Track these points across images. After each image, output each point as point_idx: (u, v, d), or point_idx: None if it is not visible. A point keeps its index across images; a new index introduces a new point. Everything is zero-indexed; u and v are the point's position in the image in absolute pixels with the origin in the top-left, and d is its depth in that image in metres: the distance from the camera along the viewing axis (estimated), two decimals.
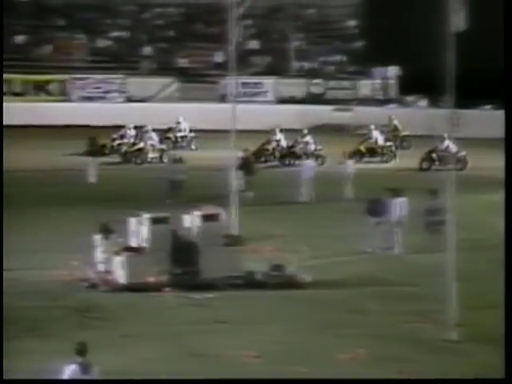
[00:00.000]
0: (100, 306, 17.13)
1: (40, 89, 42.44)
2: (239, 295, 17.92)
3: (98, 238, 18.43)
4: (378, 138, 34.43)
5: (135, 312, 16.92)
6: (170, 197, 25.55)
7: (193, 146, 35.92)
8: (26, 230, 22.50)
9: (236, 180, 21.39)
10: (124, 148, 33.88)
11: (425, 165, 32.54)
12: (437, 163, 31.84)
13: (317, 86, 44.49)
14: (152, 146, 33.44)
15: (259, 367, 14.00)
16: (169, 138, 35.73)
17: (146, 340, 15.30)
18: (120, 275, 18.29)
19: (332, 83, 44.57)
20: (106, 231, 18.42)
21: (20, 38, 43.63)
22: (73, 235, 20.41)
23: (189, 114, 37.11)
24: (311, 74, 45.39)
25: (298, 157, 32.37)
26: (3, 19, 36.16)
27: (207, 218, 19.00)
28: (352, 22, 48.28)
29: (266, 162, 33.03)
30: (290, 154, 33.25)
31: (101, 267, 18.43)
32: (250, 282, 18.51)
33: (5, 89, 41.31)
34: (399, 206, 21.21)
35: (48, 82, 42.52)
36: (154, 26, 47.40)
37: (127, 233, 18.90)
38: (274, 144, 33.75)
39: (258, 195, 26.46)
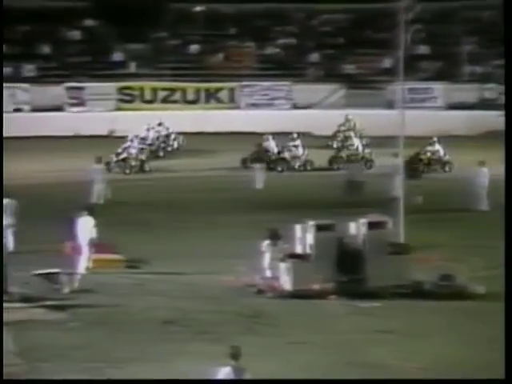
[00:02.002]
0: (266, 311, 17.14)
1: (211, 96, 43.19)
2: (406, 305, 17.52)
3: (265, 243, 18.43)
4: None
5: (300, 319, 16.83)
6: (349, 198, 25.53)
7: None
8: (196, 235, 22.84)
9: (400, 186, 20.95)
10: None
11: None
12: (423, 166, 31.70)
13: (490, 90, 43.18)
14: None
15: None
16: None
17: (310, 347, 15.17)
18: (286, 282, 18.24)
19: None
20: (274, 237, 18.41)
21: (194, 48, 44.55)
22: (240, 241, 20.51)
23: (355, 121, 36.81)
24: (484, 78, 44.11)
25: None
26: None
27: (373, 225, 18.68)
28: None
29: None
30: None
31: (268, 273, 18.43)
32: (417, 292, 18.07)
33: (178, 97, 42.32)
34: None
35: (218, 89, 43.22)
36: (321, 33, 47.36)
37: (293, 239, 18.84)
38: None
39: (423, 202, 25.85)
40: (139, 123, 36.88)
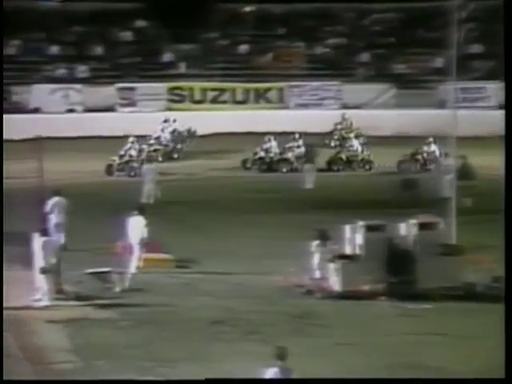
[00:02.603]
0: (314, 312, 17.12)
1: (260, 97, 43.22)
2: (457, 307, 17.35)
3: (315, 244, 18.40)
4: None
5: (349, 320, 16.78)
6: (405, 196, 25.42)
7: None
8: (245, 234, 22.89)
9: (452, 186, 20.79)
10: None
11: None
12: (418, 166, 31.41)
13: None
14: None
15: None
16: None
17: (359, 349, 15.12)
18: (335, 282, 18.20)
19: None
20: (324, 238, 18.37)
21: (243, 48, 44.61)
22: (289, 241, 20.48)
23: (405, 121, 36.57)
24: None
25: None
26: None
27: (424, 226, 18.54)
28: None
29: None
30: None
31: (317, 274, 18.40)
32: (469, 294, 17.89)
33: (227, 97, 42.36)
34: None
35: (267, 89, 43.24)
36: (371, 32, 47.12)
37: (342, 240, 18.78)
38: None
39: (475, 203, 25.60)
40: (189, 123, 37.14)
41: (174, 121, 35.81)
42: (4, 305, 17.04)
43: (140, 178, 28.30)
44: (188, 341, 15.44)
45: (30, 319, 16.60)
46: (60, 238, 20.56)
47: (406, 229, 18.59)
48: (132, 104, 40.86)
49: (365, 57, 45.66)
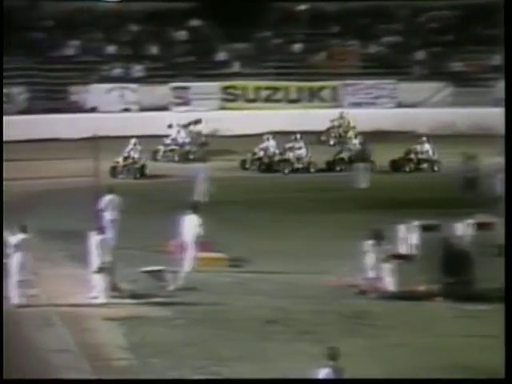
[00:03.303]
0: (369, 312, 17.07)
1: (314, 95, 43.16)
2: None
3: (369, 244, 18.33)
4: None
5: (403, 321, 16.69)
6: (465, 196, 25.22)
7: None
8: (298, 234, 22.91)
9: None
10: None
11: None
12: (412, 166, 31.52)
13: None
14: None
15: None
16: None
17: (413, 350, 15.04)
18: (389, 282, 18.11)
19: None
20: (378, 237, 18.28)
21: (297, 46, 44.58)
22: (343, 240, 20.44)
23: (461, 119, 36.22)
24: None
25: None
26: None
27: (481, 226, 18.37)
28: None
29: None
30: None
31: (370, 274, 18.33)
32: None
33: (281, 96, 42.38)
34: None
35: (321, 88, 43.16)
36: (427, 30, 46.74)
37: (397, 240, 18.67)
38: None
39: None
40: (242, 122, 37.20)
41: (199, 122, 35.62)
42: (62, 302, 17.36)
43: (191, 176, 28.35)
44: (241, 340, 15.51)
45: (87, 316, 16.82)
46: (114, 236, 20.76)
47: (463, 229, 18.44)
48: (186, 103, 41.04)
49: (420, 55, 45.29)
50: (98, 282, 17.69)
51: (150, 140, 33.22)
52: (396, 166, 32.33)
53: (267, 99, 42.21)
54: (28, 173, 29.35)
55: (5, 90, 37.46)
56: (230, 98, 41.80)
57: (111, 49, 42.15)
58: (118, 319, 16.57)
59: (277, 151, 32.11)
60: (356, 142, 32.96)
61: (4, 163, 27.46)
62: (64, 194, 27.18)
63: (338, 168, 32.13)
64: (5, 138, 33.05)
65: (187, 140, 33.94)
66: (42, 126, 35.35)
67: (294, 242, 21.89)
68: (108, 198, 21.84)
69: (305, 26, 45.96)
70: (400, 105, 42.53)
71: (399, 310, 17.30)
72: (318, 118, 39.66)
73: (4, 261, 17.65)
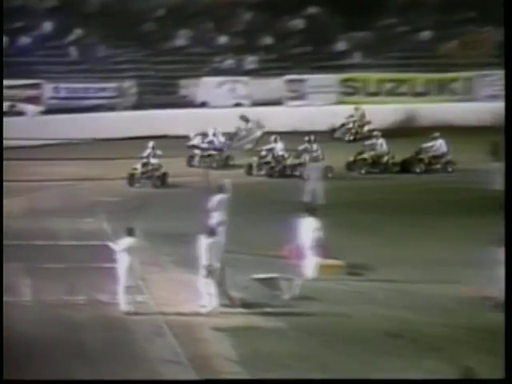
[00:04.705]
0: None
1: (444, 88, 42.60)
2: None
3: (503, 250, 17.98)
4: None
5: None
6: None
7: None
8: (423, 238, 22.67)
9: None
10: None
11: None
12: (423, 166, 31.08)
13: None
14: None
15: None
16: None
17: None
18: None
19: None
20: None
21: (425, 34, 44.06)
22: (475, 247, 19.97)
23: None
24: None
25: None
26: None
27: None
28: None
29: None
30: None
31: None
32: None
33: (406, 89, 41.99)
34: None
35: (453, 80, 42.57)
36: None
37: None
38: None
39: None
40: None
41: (247, 120, 35.43)
42: (170, 310, 17.69)
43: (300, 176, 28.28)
44: (360, 354, 15.49)
45: (196, 326, 17.05)
46: (224, 239, 20.92)
47: None
48: (301, 97, 41.09)
49: None
50: (207, 288, 17.87)
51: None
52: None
53: (390, 92, 41.90)
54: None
55: (115, 84, 38.37)
56: (349, 92, 41.65)
57: (223, 39, 42.61)
58: (227, 329, 16.74)
59: (284, 153, 30.90)
60: (380, 140, 31.75)
61: (114, 161, 28.02)
62: (172, 195, 27.66)
63: (362, 171, 31.07)
64: (111, 136, 33.86)
65: (226, 144, 32.78)
66: (150, 122, 36.00)
67: (419, 247, 21.61)
68: (218, 197, 21.88)
69: (433, 12, 45.41)
70: None
71: None
72: (448, 111, 39.23)
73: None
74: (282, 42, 43.14)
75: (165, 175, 29.22)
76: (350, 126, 37.04)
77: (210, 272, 17.85)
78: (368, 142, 32.31)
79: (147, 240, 19.77)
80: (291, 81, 41.08)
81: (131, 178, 29.14)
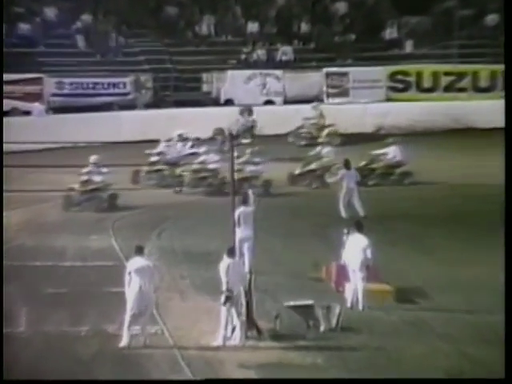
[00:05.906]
0: None
1: None
2: None
3: None
4: None
5: None
6: None
7: None
8: (489, 257, 22.01)
9: None
10: None
11: None
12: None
13: None
14: None
15: None
16: None
17: None
18: None
19: None
20: None
21: (492, 18, 43.68)
22: None
23: None
24: None
25: None
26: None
27: None
28: None
29: None
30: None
31: None
32: None
33: (467, 83, 41.65)
34: None
35: None
36: None
37: None
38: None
39: None
40: (413, 116, 36.72)
41: (250, 112, 35.34)
42: (189, 343, 17.49)
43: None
44: None
45: (219, 361, 16.93)
46: (249, 259, 20.64)
47: None
48: (343, 93, 40.95)
49: None
50: (229, 318, 17.67)
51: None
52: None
53: (449, 88, 41.71)
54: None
55: (129, 79, 38.31)
56: (399, 87, 41.54)
57: (252, 27, 42.48)
58: (255, 366, 16.64)
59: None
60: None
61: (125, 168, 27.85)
62: (191, 206, 27.49)
63: (370, 183, 29.97)
64: (123, 138, 33.84)
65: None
66: (168, 122, 35.81)
67: (485, 268, 21.13)
68: (241, 210, 21.46)
69: None
70: None
71: None
72: None
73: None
74: (322, 29, 43.00)
75: (114, 196, 27.01)
76: (305, 129, 36.13)
77: (229, 298, 17.64)
78: (313, 152, 31.26)
79: (162, 259, 19.62)
80: (332, 74, 40.94)
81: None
